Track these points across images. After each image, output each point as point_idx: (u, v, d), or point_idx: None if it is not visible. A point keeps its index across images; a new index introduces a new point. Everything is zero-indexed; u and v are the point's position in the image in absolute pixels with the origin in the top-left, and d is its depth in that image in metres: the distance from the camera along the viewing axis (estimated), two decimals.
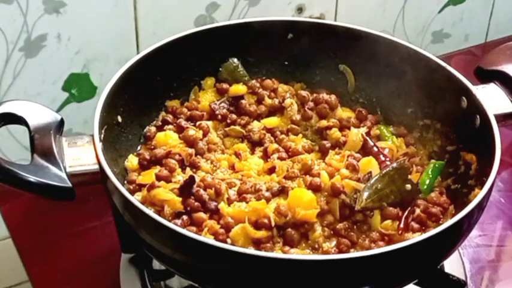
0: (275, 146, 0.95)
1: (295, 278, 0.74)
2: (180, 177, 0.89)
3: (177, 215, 0.84)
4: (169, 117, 0.99)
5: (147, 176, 0.89)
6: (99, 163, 0.81)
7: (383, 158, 0.92)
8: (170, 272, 0.94)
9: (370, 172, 0.89)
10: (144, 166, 0.92)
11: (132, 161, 0.93)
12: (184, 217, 0.84)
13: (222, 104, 1.01)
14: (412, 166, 0.94)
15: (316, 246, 0.83)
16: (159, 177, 0.88)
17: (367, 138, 0.96)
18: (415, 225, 0.86)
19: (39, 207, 1.06)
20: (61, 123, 0.85)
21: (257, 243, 0.82)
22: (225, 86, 1.02)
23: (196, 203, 0.84)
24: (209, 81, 1.03)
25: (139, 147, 0.97)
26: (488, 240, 1.05)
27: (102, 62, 1.10)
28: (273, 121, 1.00)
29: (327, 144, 0.96)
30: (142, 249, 0.83)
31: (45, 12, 1.02)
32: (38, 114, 0.85)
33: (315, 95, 1.02)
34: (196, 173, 0.90)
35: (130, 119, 0.95)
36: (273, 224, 0.82)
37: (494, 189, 0.82)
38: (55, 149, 0.81)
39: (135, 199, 0.78)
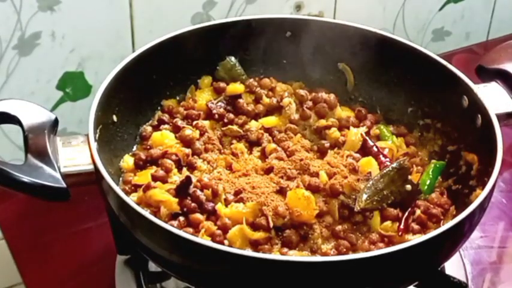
0: (273, 145, 0.94)
1: (294, 280, 0.73)
2: (176, 178, 0.88)
3: (173, 216, 0.84)
4: (166, 117, 0.98)
5: (143, 177, 0.89)
6: (94, 163, 0.81)
7: (383, 158, 0.92)
8: (166, 274, 0.93)
9: (370, 172, 0.88)
10: (139, 166, 0.91)
11: (127, 161, 0.92)
12: (181, 218, 0.83)
13: (219, 103, 1.00)
14: (412, 166, 0.94)
15: (315, 247, 0.83)
16: (155, 178, 0.88)
17: (367, 138, 0.95)
18: (416, 227, 0.86)
19: (33, 208, 1.05)
20: (55, 122, 0.85)
21: (255, 245, 0.82)
22: (222, 84, 1.01)
23: (193, 204, 0.84)
24: (206, 80, 1.03)
25: (135, 147, 0.96)
26: (490, 241, 1.05)
27: (97, 60, 1.09)
28: (271, 120, 0.99)
29: (326, 144, 0.95)
30: (138, 251, 0.83)
31: (39, 10, 1.01)
32: (32, 114, 0.84)
33: (313, 94, 1.02)
34: (193, 174, 0.89)
35: (126, 118, 0.94)
36: (271, 225, 0.82)
37: (495, 189, 0.82)
38: (49, 149, 0.81)
39: (131, 200, 0.78)
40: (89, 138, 0.83)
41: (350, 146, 0.95)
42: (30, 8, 1.00)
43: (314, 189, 0.86)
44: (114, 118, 0.92)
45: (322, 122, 0.98)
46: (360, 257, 0.72)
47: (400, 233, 0.84)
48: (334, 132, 0.96)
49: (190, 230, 0.82)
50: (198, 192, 0.84)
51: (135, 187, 0.88)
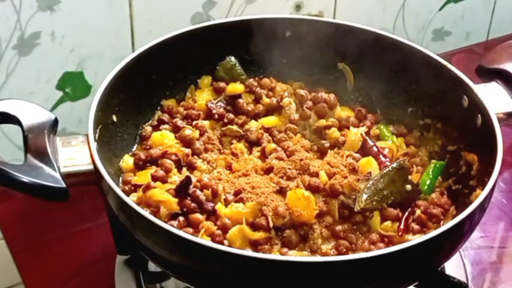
0: (273, 145, 0.94)
1: (294, 280, 0.73)
2: (176, 178, 0.88)
3: (173, 216, 0.84)
4: (165, 117, 0.98)
5: (143, 177, 0.88)
6: (93, 163, 0.81)
7: (383, 158, 0.91)
8: (166, 274, 0.93)
9: (370, 172, 0.88)
10: (139, 166, 0.91)
11: (127, 161, 0.92)
12: (181, 218, 0.83)
13: (219, 103, 1.00)
14: (412, 166, 0.94)
15: (315, 247, 0.83)
16: (154, 178, 0.87)
17: (367, 138, 0.95)
18: (416, 227, 0.86)
19: (33, 208, 1.05)
20: (55, 122, 0.84)
21: (255, 245, 0.81)
22: (222, 84, 1.01)
23: (192, 204, 0.84)
24: (206, 80, 1.03)
25: (134, 147, 0.96)
26: (490, 241, 1.04)
27: (96, 60, 1.09)
28: (270, 120, 0.99)
29: (326, 144, 0.95)
30: (138, 251, 0.83)
31: (38, 10, 1.01)
32: (32, 114, 0.84)
33: (313, 94, 1.01)
34: (193, 174, 0.89)
35: (126, 118, 0.94)
36: (271, 225, 0.81)
37: (496, 189, 0.82)
38: (49, 149, 0.81)
39: (131, 200, 0.77)
40: (88, 138, 0.82)
41: (350, 146, 0.95)
42: (29, 8, 1.00)
43: (314, 189, 0.86)
44: (114, 118, 0.92)
45: (322, 122, 0.98)
46: (360, 257, 0.72)
47: (400, 233, 0.84)
48: (334, 132, 0.96)
49: (190, 230, 0.82)
50: (198, 192, 0.84)
51: (135, 187, 0.88)
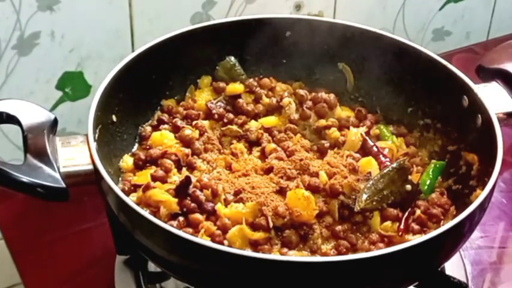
0: (273, 145, 0.94)
1: (294, 280, 0.73)
2: (176, 178, 0.88)
3: (173, 216, 0.84)
4: (165, 117, 0.98)
5: (143, 177, 0.88)
6: (93, 163, 0.81)
7: (383, 158, 0.91)
8: (166, 274, 0.93)
9: (370, 172, 0.88)
10: (139, 166, 0.91)
11: (127, 161, 0.92)
12: (181, 218, 0.83)
13: (219, 103, 1.00)
14: (412, 166, 0.94)
15: (315, 247, 0.83)
16: (154, 178, 0.87)
17: (367, 138, 0.95)
18: (416, 227, 0.86)
19: (33, 208, 1.05)
20: (55, 122, 0.84)
21: (255, 245, 0.81)
22: (221, 84, 1.01)
23: (192, 204, 0.84)
24: (205, 80, 1.03)
25: (134, 147, 0.96)
26: (490, 241, 1.04)
27: (96, 60, 1.09)
28: (270, 120, 0.99)
29: (326, 144, 0.95)
30: (138, 251, 0.83)
31: (38, 10, 1.01)
32: (31, 114, 0.84)
33: (313, 94, 1.01)
34: (193, 174, 0.89)
35: (126, 118, 0.94)
36: (270, 225, 0.81)
37: (496, 189, 0.82)
38: (48, 149, 0.81)
39: (130, 200, 0.77)
40: (88, 138, 0.82)
41: (350, 146, 0.95)
42: (29, 7, 1.00)
43: (314, 189, 0.86)
44: (114, 118, 0.92)
45: (322, 122, 0.98)
46: (360, 257, 0.72)
47: (400, 233, 0.84)
48: (334, 132, 0.96)
49: (190, 230, 0.82)
50: (198, 192, 0.84)
51: (135, 187, 0.88)
